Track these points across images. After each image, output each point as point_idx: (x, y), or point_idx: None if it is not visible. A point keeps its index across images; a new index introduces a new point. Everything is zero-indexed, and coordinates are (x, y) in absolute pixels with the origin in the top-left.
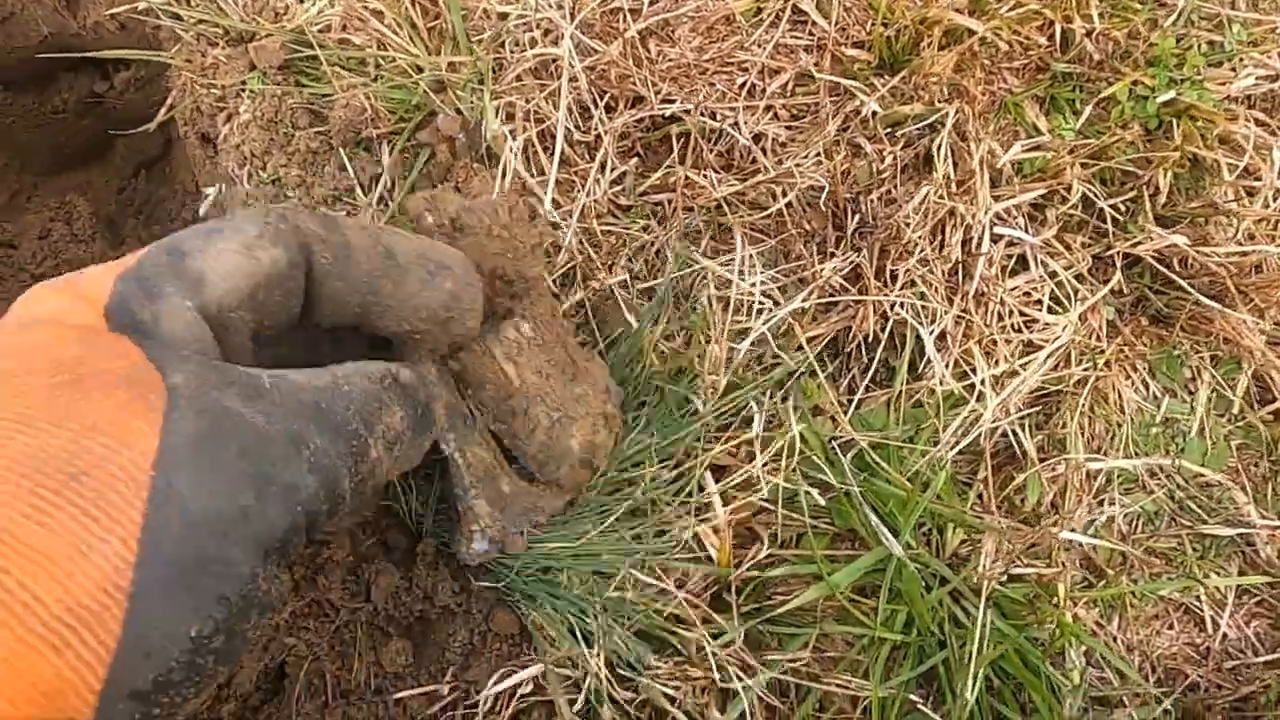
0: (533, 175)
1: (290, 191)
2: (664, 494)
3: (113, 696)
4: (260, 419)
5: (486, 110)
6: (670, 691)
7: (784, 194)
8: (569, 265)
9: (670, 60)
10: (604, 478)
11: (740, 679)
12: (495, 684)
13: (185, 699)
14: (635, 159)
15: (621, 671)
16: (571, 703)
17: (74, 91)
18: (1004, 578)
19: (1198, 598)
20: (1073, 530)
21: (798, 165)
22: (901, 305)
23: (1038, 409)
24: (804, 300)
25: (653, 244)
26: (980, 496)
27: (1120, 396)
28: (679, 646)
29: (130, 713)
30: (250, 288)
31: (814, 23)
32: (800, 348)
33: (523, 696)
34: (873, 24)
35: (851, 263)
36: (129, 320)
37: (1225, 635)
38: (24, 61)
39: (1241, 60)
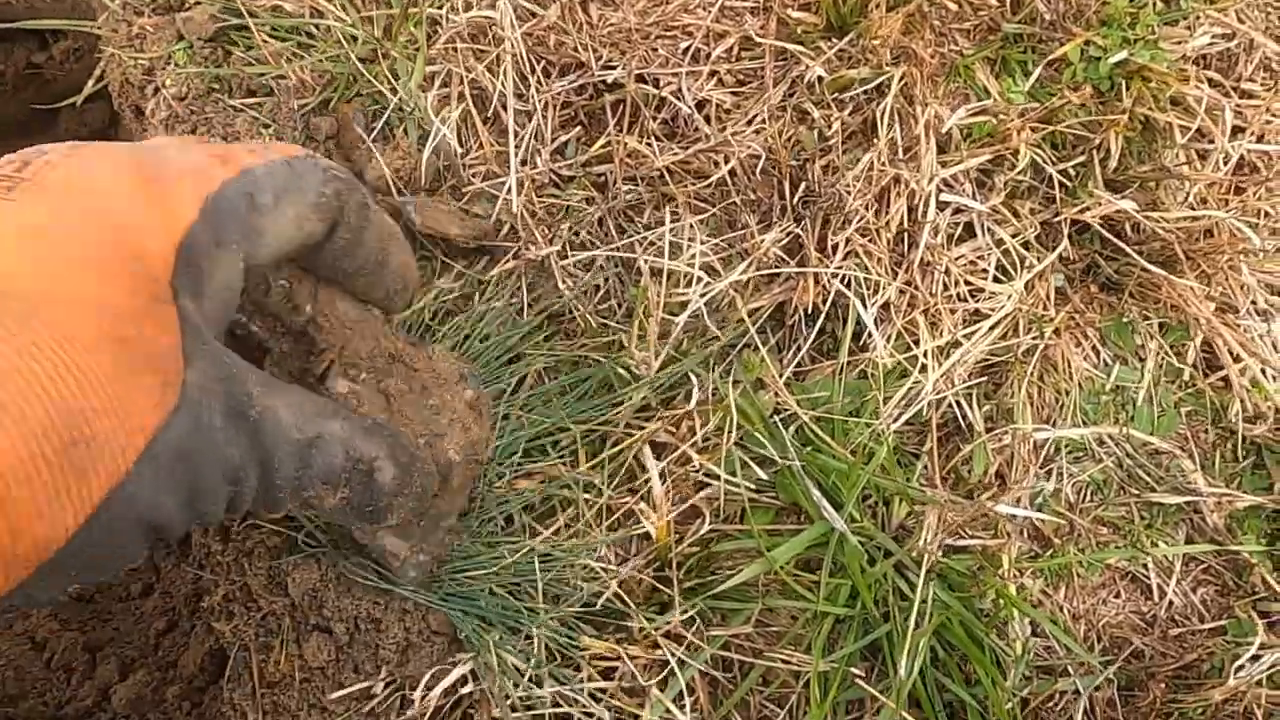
0: (461, 145)
1: None
2: (602, 472)
3: None
4: (225, 450)
5: (416, 75)
6: (609, 669)
7: (725, 162)
8: (507, 238)
9: (611, 25)
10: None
11: (679, 657)
12: (429, 682)
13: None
14: (578, 128)
15: (561, 652)
16: (507, 696)
17: (12, 63)
18: (947, 550)
19: (1145, 566)
20: (1014, 504)
21: (737, 134)
22: (842, 277)
23: (985, 379)
24: (743, 273)
25: (595, 215)
26: (925, 467)
27: (1069, 365)
28: (620, 625)
29: None
30: (287, 253)
31: None
32: (741, 320)
33: (457, 692)
34: None
35: (791, 233)
36: (193, 263)
37: (1171, 603)
38: None
39: (1198, 18)
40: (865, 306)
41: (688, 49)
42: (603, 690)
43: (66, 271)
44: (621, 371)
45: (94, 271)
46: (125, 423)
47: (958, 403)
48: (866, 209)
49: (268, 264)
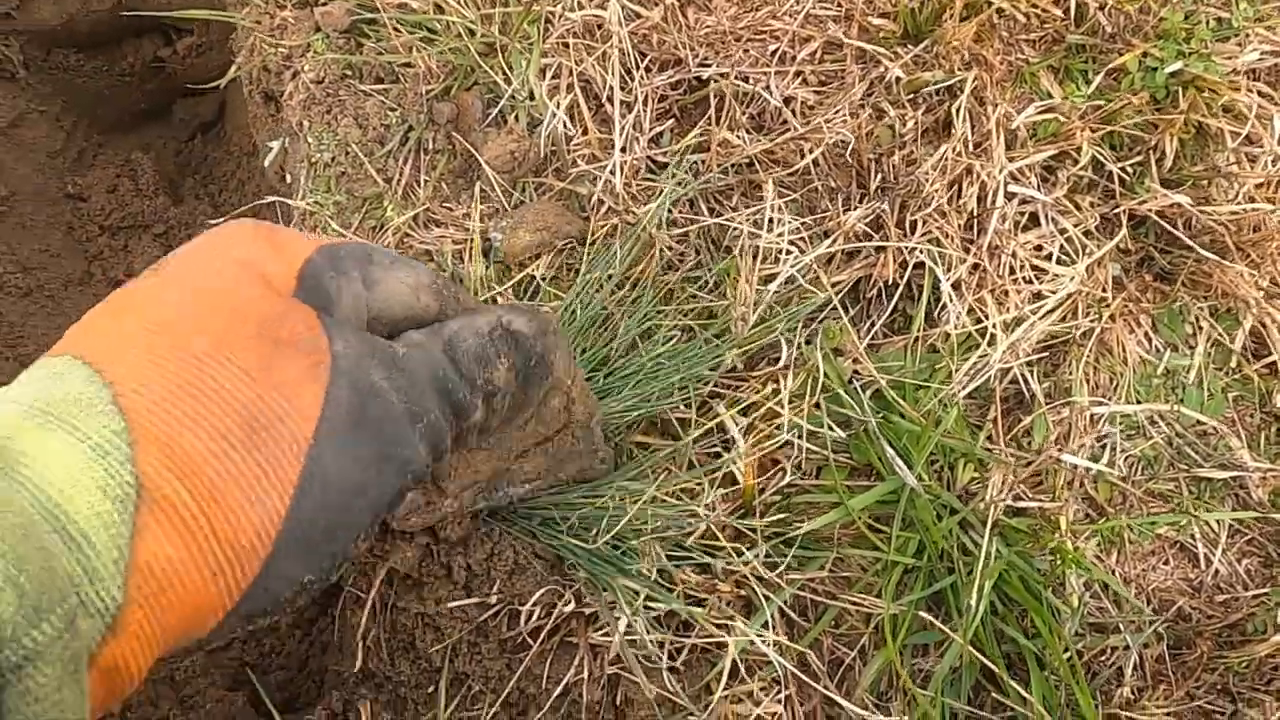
0: (570, 132)
1: (353, 146)
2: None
3: (231, 618)
4: (393, 396)
5: (532, 67)
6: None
7: (811, 150)
8: (609, 221)
9: (707, 27)
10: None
11: (765, 596)
12: (536, 599)
13: (275, 618)
14: (672, 120)
15: (656, 584)
16: (618, 617)
17: (140, 56)
18: (1008, 511)
19: (1192, 536)
20: (1074, 454)
21: (826, 121)
22: (920, 251)
23: (1046, 356)
24: (829, 246)
25: (688, 196)
26: (990, 436)
27: (1124, 348)
28: (707, 565)
29: (234, 627)
30: (398, 315)
31: None
32: (824, 292)
33: (561, 614)
34: None
35: (875, 211)
36: (316, 284)
37: (1218, 571)
38: (98, 25)
39: (1248, 35)
40: (941, 280)
41: (775, 51)
42: (691, 624)
43: (201, 295)
44: (714, 339)
45: (232, 296)
46: (293, 402)
47: (1022, 375)
48: (941, 195)
49: (382, 319)
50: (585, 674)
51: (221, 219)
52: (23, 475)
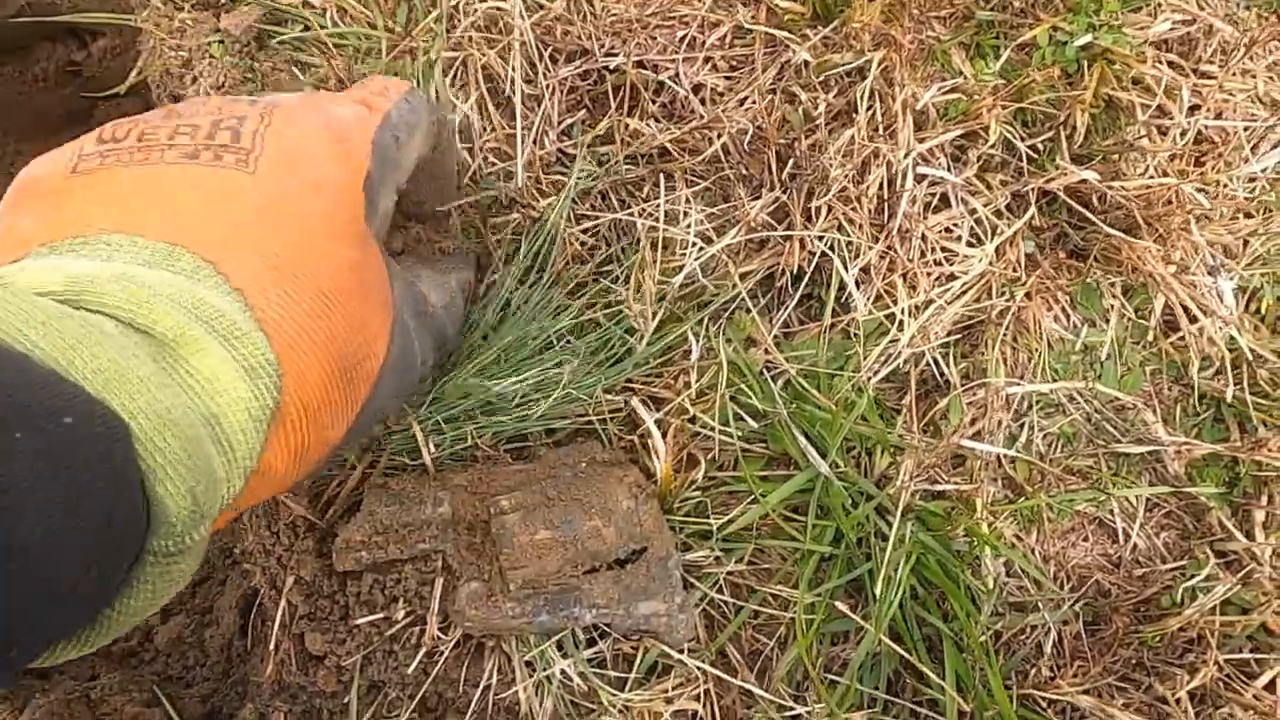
0: (481, 132)
1: None
2: (610, 424)
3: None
4: (415, 345)
5: (438, 65)
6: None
7: (719, 138)
8: (518, 219)
9: (614, 15)
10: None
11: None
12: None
13: None
14: (582, 111)
15: None
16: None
17: (53, 60)
18: (925, 495)
19: (1111, 512)
20: (991, 434)
21: (728, 112)
22: (826, 242)
23: (961, 339)
24: (734, 237)
25: (598, 189)
26: (905, 421)
27: (1040, 326)
28: None
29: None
30: (409, 176)
31: None
32: (734, 285)
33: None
34: None
35: (778, 202)
36: (372, 199)
37: (1136, 545)
38: (3, 30)
39: (1159, 5)
40: (846, 267)
41: (684, 37)
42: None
43: (310, 238)
44: (625, 334)
45: (326, 231)
46: (375, 346)
47: (935, 359)
48: (847, 180)
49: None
50: (494, 679)
51: None
52: (192, 385)
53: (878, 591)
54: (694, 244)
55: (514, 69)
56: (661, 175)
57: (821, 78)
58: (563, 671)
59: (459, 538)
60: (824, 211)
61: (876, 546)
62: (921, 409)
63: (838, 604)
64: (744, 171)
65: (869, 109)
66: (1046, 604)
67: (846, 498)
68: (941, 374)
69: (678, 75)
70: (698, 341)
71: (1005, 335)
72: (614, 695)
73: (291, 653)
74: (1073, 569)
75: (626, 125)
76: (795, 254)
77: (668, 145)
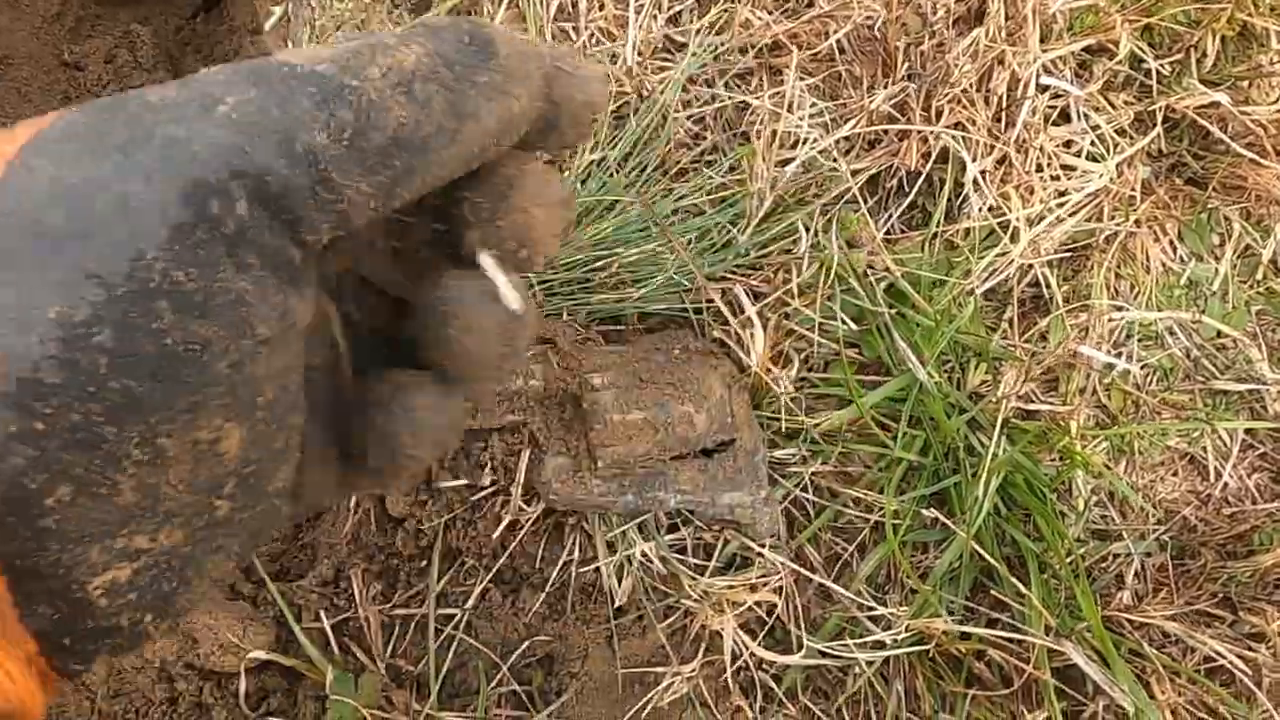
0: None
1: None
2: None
3: None
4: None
5: None
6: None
7: (835, 30)
8: (622, 101)
9: None
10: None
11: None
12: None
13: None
14: None
15: None
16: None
17: None
18: (1019, 412)
19: (1204, 449)
20: (1094, 348)
21: (846, 4)
22: (946, 138)
23: (1067, 259)
24: (852, 128)
25: (706, 76)
26: (1004, 336)
27: (1147, 255)
28: None
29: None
30: None
31: None
32: (842, 180)
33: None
34: None
35: (902, 93)
36: None
37: (1226, 484)
38: None
39: None
40: (966, 167)
41: None
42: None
43: None
44: (727, 224)
45: None
46: None
47: (1042, 275)
48: (970, 81)
49: None
50: (575, 556)
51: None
52: None
53: (967, 502)
54: (807, 134)
55: None
56: (770, 69)
57: None
58: (644, 553)
59: (548, 412)
60: (945, 111)
61: (965, 460)
62: (1021, 326)
63: (925, 512)
64: (856, 71)
65: (999, 10)
66: (1132, 534)
67: (943, 406)
68: (1046, 291)
69: None
70: (806, 234)
71: (1111, 260)
72: (694, 579)
73: (372, 513)
74: (1159, 502)
75: (740, 14)
76: (913, 152)
77: (781, 37)
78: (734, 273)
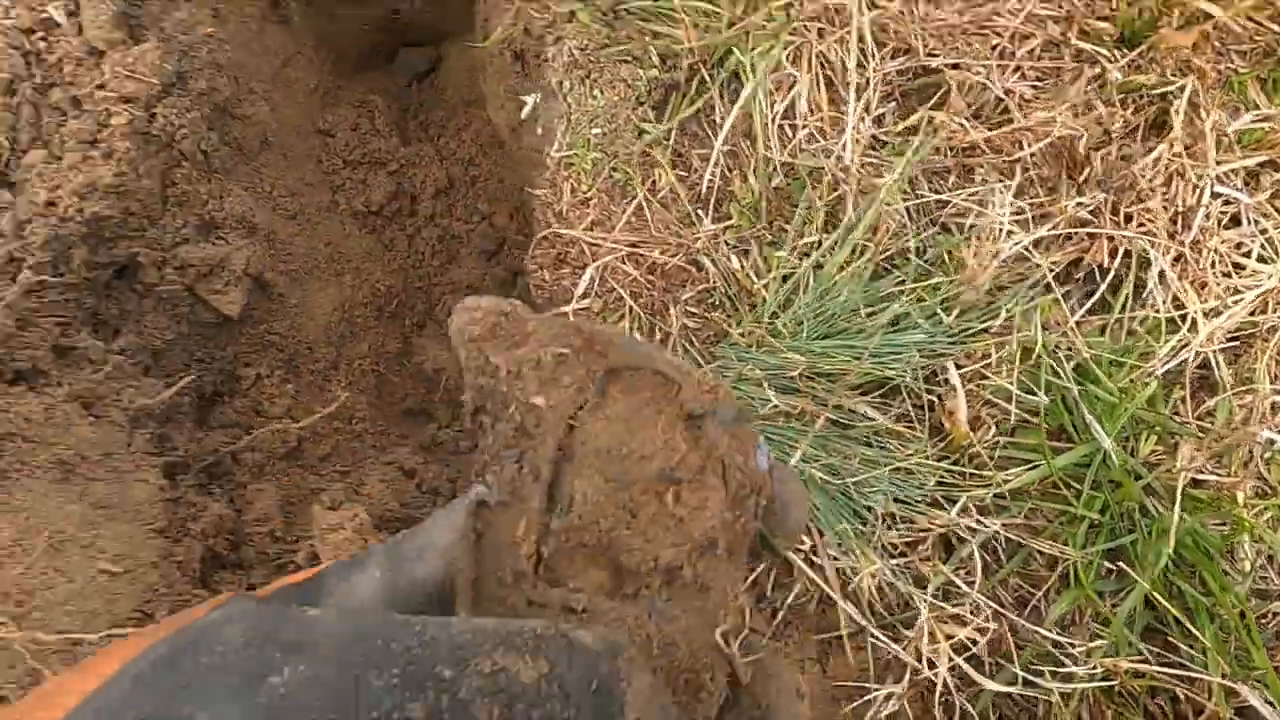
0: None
1: (598, 102)
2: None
3: None
4: None
5: (778, 47)
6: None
7: (1033, 142)
8: (835, 195)
9: (939, 20)
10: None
11: (967, 531)
12: None
13: None
14: (893, 103)
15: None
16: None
17: (382, 6)
18: (1190, 480)
19: None
20: (1259, 426)
21: (1051, 118)
22: (1133, 239)
23: (1232, 345)
24: (1050, 229)
25: (907, 174)
26: (1175, 412)
27: None
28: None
29: None
30: None
31: None
32: (1038, 268)
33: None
34: (1118, 1)
35: (1094, 200)
36: None
37: None
38: None
39: None
40: (1161, 262)
41: (996, 46)
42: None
43: None
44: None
45: None
46: None
47: (1215, 359)
48: (1154, 190)
49: None
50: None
51: (443, 160)
52: None
53: (1143, 558)
54: (1010, 231)
55: (850, 57)
56: (964, 169)
57: (1121, 95)
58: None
59: None
60: (1133, 217)
61: (1140, 521)
62: (1192, 405)
63: (1107, 564)
64: (1043, 173)
65: (1182, 128)
66: None
67: (1128, 474)
68: (1216, 374)
69: (990, 79)
70: (1008, 317)
71: (1273, 349)
72: (919, 605)
73: None
74: None
75: (943, 121)
76: (1104, 250)
77: (980, 142)
78: (937, 349)
